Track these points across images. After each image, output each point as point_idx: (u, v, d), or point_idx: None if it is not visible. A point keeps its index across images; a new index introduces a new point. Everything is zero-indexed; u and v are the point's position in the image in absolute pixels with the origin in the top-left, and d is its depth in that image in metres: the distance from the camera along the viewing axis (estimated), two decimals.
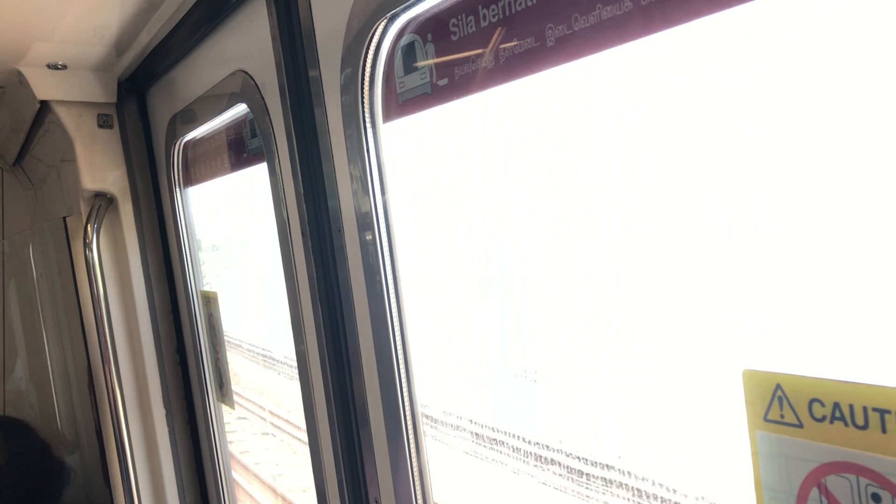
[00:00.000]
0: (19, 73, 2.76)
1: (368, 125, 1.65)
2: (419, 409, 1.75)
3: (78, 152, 2.89)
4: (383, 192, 1.68)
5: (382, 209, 1.68)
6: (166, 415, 3.13)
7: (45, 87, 2.79)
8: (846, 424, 0.83)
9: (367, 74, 1.61)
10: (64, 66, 2.77)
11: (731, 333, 1.05)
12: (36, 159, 4.01)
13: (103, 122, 2.93)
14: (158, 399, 3.14)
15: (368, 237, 1.71)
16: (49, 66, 2.76)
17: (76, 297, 3.17)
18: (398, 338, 1.74)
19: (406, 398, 1.75)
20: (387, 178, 1.67)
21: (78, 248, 3.02)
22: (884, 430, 0.80)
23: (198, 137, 2.73)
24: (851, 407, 0.83)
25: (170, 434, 3.15)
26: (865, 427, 0.82)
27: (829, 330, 0.93)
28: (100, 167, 2.94)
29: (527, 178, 1.43)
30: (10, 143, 4.19)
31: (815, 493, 0.88)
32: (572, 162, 1.30)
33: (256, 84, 2.09)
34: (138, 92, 3.01)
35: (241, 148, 2.45)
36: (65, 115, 2.85)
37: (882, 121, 0.83)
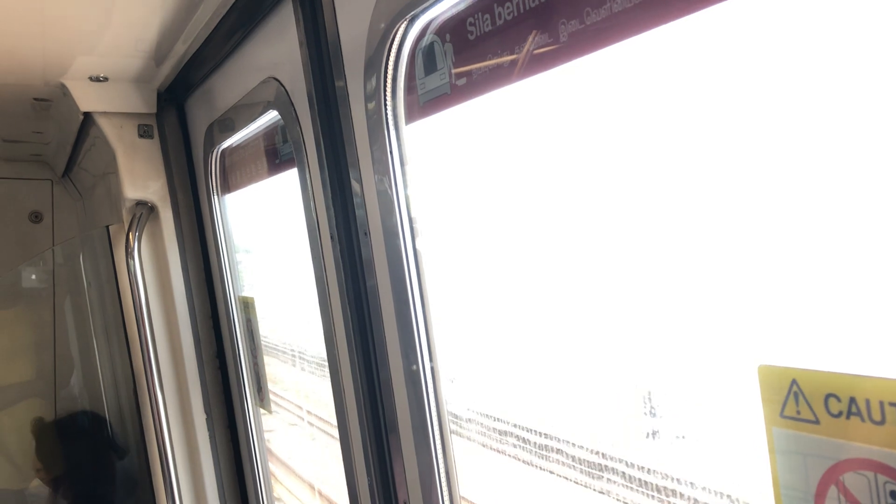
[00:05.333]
0: (63, 87, 2.85)
1: (392, 128, 1.66)
2: (445, 411, 1.75)
3: (119, 162, 2.96)
4: (407, 196, 1.68)
5: (406, 212, 1.69)
6: (206, 419, 3.18)
7: (87, 99, 2.87)
8: (863, 420, 0.81)
9: (390, 77, 1.62)
10: (105, 79, 2.84)
11: (748, 329, 1.03)
12: (83, 171, 4.12)
13: (144, 132, 2.99)
14: (199, 404, 3.18)
15: (394, 240, 1.72)
16: (91, 79, 2.83)
17: (119, 304, 3.25)
18: (424, 341, 1.74)
19: (432, 400, 1.75)
20: (410, 181, 1.67)
21: (120, 255, 3.09)
22: None
23: (234, 145, 2.78)
24: (868, 402, 0.80)
25: (210, 439, 3.19)
26: (882, 423, 0.79)
27: (846, 324, 0.90)
28: (141, 176, 3.00)
29: (547, 175, 1.42)
30: (58, 156, 4.33)
31: (833, 490, 0.85)
32: (589, 159, 1.28)
33: (287, 91, 2.11)
34: (177, 102, 3.07)
35: (273, 154, 2.49)
36: (107, 126, 2.92)
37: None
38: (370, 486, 2.02)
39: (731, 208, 1.05)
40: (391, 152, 1.68)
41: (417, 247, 1.69)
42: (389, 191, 1.69)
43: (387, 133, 1.67)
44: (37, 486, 4.16)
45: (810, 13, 0.89)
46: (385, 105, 1.66)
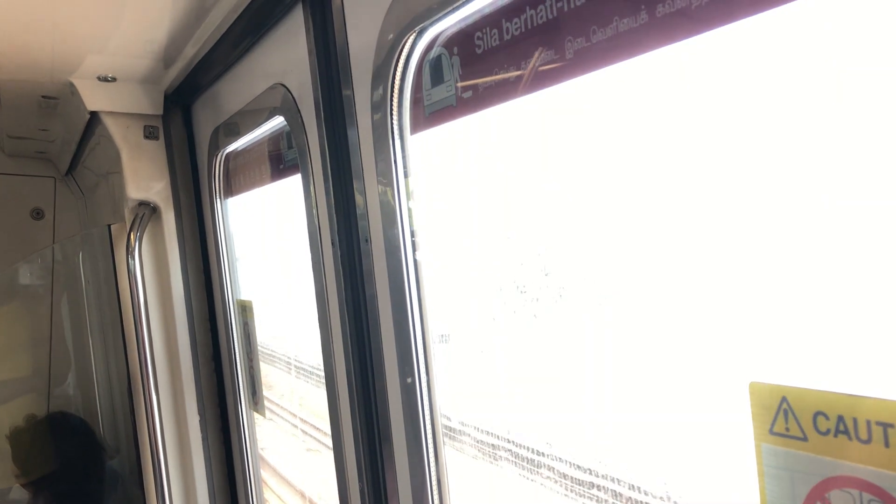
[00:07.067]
0: (71, 85, 2.87)
1: (397, 139, 1.68)
2: (439, 422, 1.76)
3: (124, 162, 2.98)
4: (409, 206, 1.70)
5: (408, 223, 1.71)
6: (200, 421, 3.18)
7: (95, 98, 2.89)
8: (850, 438, 0.82)
9: (397, 89, 1.64)
10: (113, 79, 2.87)
11: (739, 345, 1.05)
12: (87, 170, 4.14)
13: (149, 134, 3.01)
14: (193, 406, 3.19)
15: (395, 250, 1.74)
16: (99, 79, 2.86)
17: (118, 303, 3.26)
18: (420, 350, 1.75)
19: (427, 410, 1.76)
20: (413, 190, 1.69)
21: (121, 255, 3.10)
22: (886, 445, 0.79)
23: (238, 149, 2.80)
24: (855, 420, 0.81)
25: (203, 440, 3.20)
26: (869, 441, 0.80)
27: (835, 342, 0.92)
28: (144, 177, 3.02)
29: (551, 185, 1.44)
30: (62, 154, 4.35)
31: None
32: (590, 170, 1.31)
33: (294, 97, 2.14)
34: (184, 104, 3.10)
35: (278, 160, 2.51)
36: (112, 126, 2.94)
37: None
38: (361, 491, 2.03)
39: (733, 220, 1.07)
40: (395, 163, 1.70)
41: (417, 258, 1.71)
42: (392, 201, 1.71)
43: (391, 144, 1.69)
44: (19, 486, 4.14)
45: (811, 36, 0.92)
46: (391, 116, 1.68)
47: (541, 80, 1.25)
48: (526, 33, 1.27)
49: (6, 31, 2.40)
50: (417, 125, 1.64)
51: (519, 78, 1.29)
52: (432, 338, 1.75)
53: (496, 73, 1.35)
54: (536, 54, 1.24)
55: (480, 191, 1.74)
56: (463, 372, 1.91)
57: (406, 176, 1.69)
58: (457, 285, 1.90)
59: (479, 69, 1.40)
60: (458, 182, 1.79)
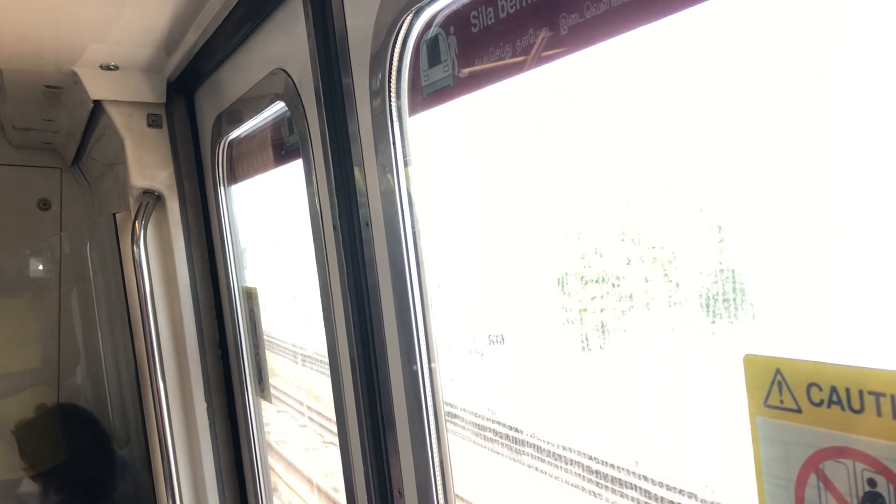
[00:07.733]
0: (74, 74, 2.88)
1: (396, 124, 1.68)
2: (442, 405, 1.76)
3: (128, 150, 2.99)
4: (410, 191, 1.70)
5: (409, 207, 1.71)
6: (207, 408, 3.20)
7: (98, 87, 2.90)
8: (843, 409, 0.82)
9: (395, 70, 1.64)
10: (116, 67, 2.87)
11: (734, 319, 1.04)
12: (93, 160, 4.16)
13: (152, 122, 3.02)
14: (200, 393, 3.20)
15: (395, 234, 1.74)
16: (102, 67, 2.86)
17: (124, 292, 3.27)
18: (422, 333, 1.75)
19: (429, 394, 1.76)
20: (412, 174, 1.69)
21: (126, 243, 3.12)
22: (879, 414, 0.78)
23: (241, 136, 2.80)
24: (848, 391, 0.81)
25: (210, 428, 3.22)
26: (861, 411, 0.80)
27: (828, 313, 0.91)
28: (148, 165, 3.03)
29: (550, 169, 1.44)
30: (68, 145, 4.36)
31: (813, 478, 0.86)
32: (589, 153, 1.30)
33: (294, 83, 2.13)
34: (186, 92, 3.10)
35: (280, 145, 2.51)
36: (116, 115, 2.95)
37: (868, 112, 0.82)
38: (366, 475, 2.04)
39: (726, 202, 1.06)
40: (394, 148, 1.70)
41: (418, 242, 1.71)
42: (392, 185, 1.71)
43: (391, 129, 1.69)
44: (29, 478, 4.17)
45: (813, 6, 0.91)
46: (389, 102, 1.68)
47: (537, 57, 1.24)
48: (521, 10, 1.26)
49: (9, 22, 2.41)
50: (416, 106, 1.64)
51: (515, 55, 1.29)
52: (435, 320, 1.75)
53: (492, 52, 1.35)
54: (531, 31, 1.24)
55: (481, 171, 1.73)
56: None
57: (406, 161, 1.69)
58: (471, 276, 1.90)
59: (476, 48, 1.40)
60: (459, 162, 1.79)
